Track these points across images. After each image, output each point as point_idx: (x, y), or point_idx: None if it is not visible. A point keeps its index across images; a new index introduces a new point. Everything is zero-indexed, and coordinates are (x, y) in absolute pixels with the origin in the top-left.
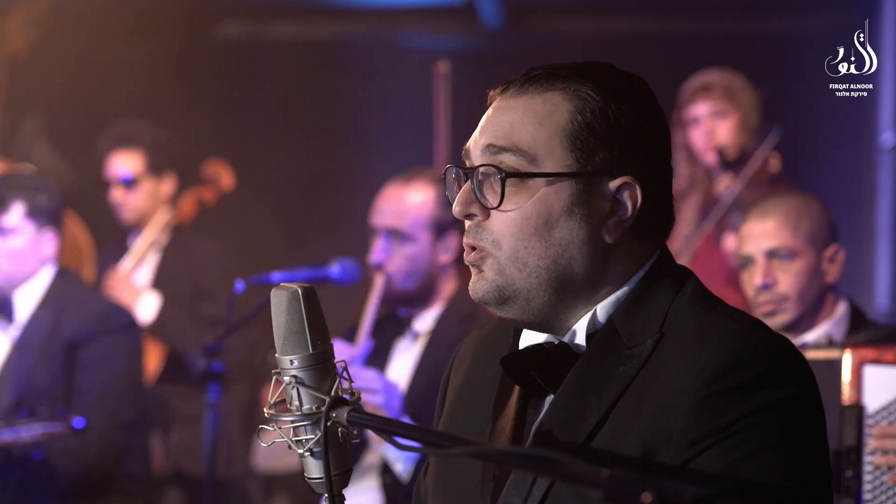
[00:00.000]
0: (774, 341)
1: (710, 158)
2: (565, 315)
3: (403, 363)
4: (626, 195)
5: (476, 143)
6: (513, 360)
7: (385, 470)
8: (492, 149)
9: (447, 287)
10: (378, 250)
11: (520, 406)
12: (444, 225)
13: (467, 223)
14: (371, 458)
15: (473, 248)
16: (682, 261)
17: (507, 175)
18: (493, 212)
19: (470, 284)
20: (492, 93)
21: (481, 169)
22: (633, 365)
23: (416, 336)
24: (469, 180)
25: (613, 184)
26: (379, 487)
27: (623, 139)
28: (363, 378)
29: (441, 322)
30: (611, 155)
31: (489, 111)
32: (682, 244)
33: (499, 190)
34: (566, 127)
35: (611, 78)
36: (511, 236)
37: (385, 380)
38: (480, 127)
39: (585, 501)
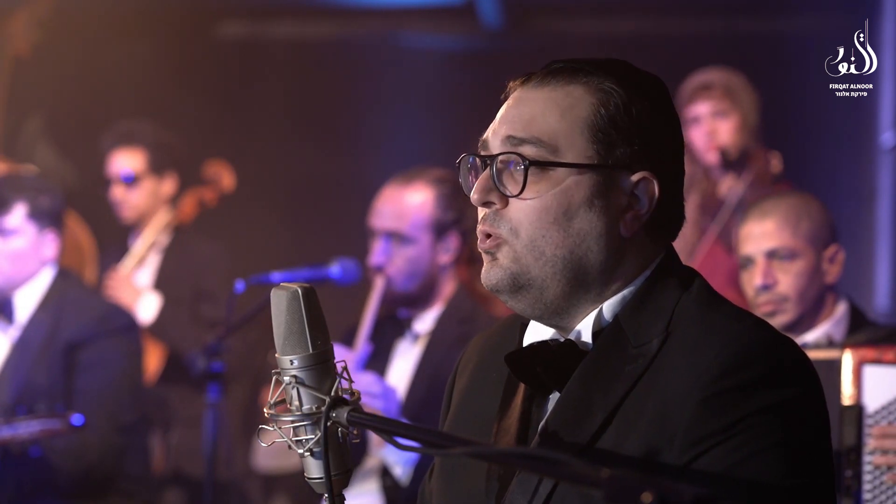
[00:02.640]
0: (778, 341)
1: (712, 158)
2: (575, 309)
3: (404, 365)
4: (644, 190)
5: (496, 132)
6: (517, 358)
7: (385, 472)
8: (512, 140)
9: (447, 288)
10: (378, 252)
11: (525, 405)
12: (445, 226)
13: (482, 211)
14: (372, 461)
15: (488, 236)
16: (686, 262)
17: (531, 163)
18: (511, 200)
19: (483, 272)
20: (511, 84)
21: (501, 157)
22: (639, 364)
23: (416, 337)
24: (488, 168)
25: (633, 178)
26: (379, 490)
27: (643, 135)
28: (361, 382)
29: (441, 323)
30: (631, 149)
31: (509, 101)
32: (684, 244)
33: (520, 179)
34: (588, 119)
35: (633, 75)
36: (530, 225)
37: (384, 384)
38: (500, 117)
39: (591, 501)
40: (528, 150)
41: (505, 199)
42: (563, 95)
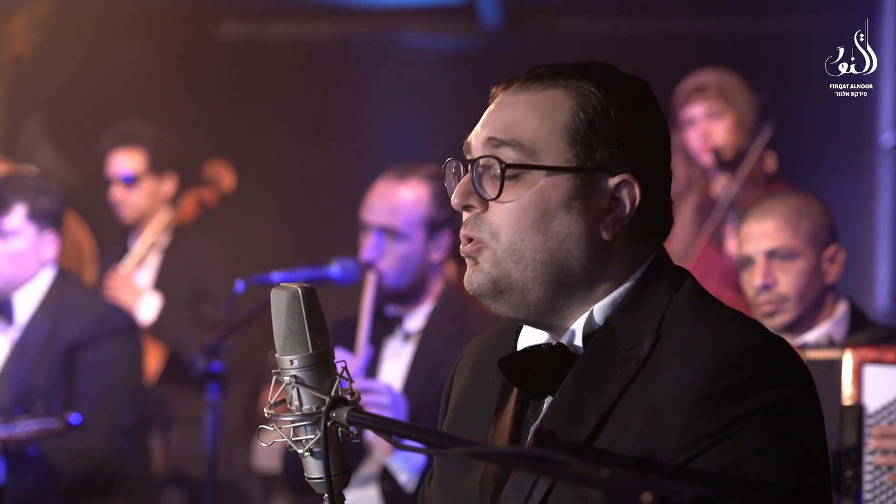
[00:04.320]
0: (770, 342)
1: (707, 159)
2: (561, 312)
3: (395, 366)
4: (624, 193)
5: (477, 136)
6: (510, 362)
7: (385, 477)
8: (493, 142)
9: (437, 285)
10: (370, 248)
11: (518, 409)
12: (438, 223)
13: (465, 215)
14: (370, 467)
15: (470, 240)
16: (681, 262)
17: (507, 166)
18: (491, 204)
19: (465, 276)
20: (494, 89)
21: (481, 161)
22: (632, 366)
23: (407, 336)
24: (469, 172)
25: (612, 181)
26: (378, 494)
27: (624, 137)
28: (374, 389)
29: (432, 320)
30: (611, 152)
31: (491, 106)
32: (681, 246)
33: (498, 182)
34: (567, 122)
35: (614, 78)
36: (509, 228)
37: (394, 392)
38: (482, 121)
39: (588, 503)
40: (506, 153)
41: (485, 203)
42: (543, 99)
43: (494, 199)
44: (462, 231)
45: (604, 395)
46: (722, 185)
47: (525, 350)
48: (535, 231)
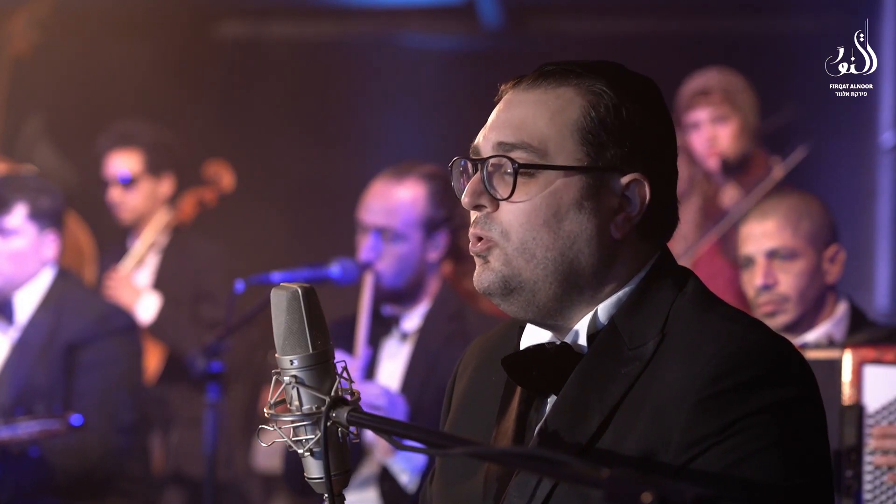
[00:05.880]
0: (773, 342)
1: (713, 164)
2: (569, 311)
3: (393, 366)
4: (635, 192)
5: (486, 137)
6: (514, 361)
7: (384, 477)
8: (503, 146)
9: (434, 285)
10: (367, 248)
11: (521, 408)
12: (435, 223)
13: (474, 214)
14: (370, 468)
15: (480, 239)
16: (682, 263)
17: (520, 166)
18: (502, 203)
19: (475, 275)
20: (503, 86)
21: (492, 160)
22: (636, 366)
23: (404, 336)
24: (478, 171)
25: (623, 180)
26: (378, 495)
27: (634, 136)
28: (368, 393)
29: (429, 320)
30: (621, 151)
31: (500, 105)
32: (683, 247)
33: (510, 181)
34: (578, 121)
35: (624, 77)
36: (520, 227)
37: (391, 394)
38: (491, 122)
39: (589, 502)
40: (517, 155)
41: (495, 203)
42: (554, 98)
43: (507, 199)
44: (471, 230)
45: (608, 394)
46: (730, 196)
47: (529, 349)
48: (547, 230)
